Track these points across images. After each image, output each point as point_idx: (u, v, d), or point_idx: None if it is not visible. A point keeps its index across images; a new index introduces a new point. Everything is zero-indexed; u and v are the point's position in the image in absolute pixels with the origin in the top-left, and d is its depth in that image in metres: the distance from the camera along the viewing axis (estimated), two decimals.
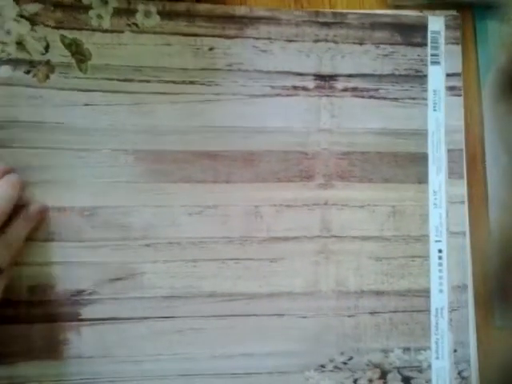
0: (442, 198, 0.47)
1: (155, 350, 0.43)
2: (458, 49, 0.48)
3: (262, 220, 0.45)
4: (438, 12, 0.48)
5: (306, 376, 0.45)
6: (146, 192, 0.44)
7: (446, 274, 0.47)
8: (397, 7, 0.49)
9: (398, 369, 0.46)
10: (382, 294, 0.47)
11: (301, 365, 0.45)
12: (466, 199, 0.47)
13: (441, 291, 0.47)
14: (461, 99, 0.48)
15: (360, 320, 0.46)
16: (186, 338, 0.44)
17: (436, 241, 0.47)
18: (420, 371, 0.46)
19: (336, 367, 0.46)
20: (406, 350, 0.46)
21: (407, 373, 0.46)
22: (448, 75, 0.48)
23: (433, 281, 0.47)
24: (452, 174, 0.48)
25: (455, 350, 0.47)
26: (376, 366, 0.46)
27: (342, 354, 0.46)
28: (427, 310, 0.47)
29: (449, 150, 0.48)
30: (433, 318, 0.47)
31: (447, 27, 0.48)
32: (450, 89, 0.48)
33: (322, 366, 0.46)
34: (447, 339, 0.47)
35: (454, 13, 0.48)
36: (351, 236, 0.47)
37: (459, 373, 0.46)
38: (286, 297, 0.46)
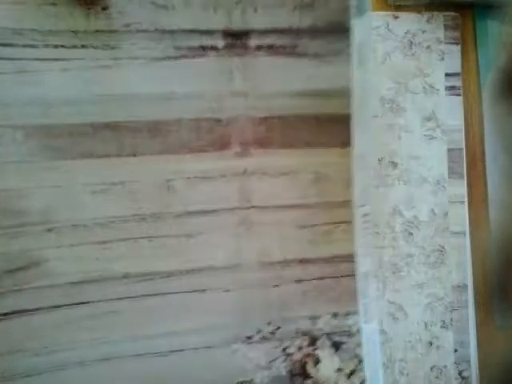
0: (368, 159, 0.45)
1: (70, 337, 0.41)
2: (457, 49, 0.46)
3: (175, 194, 0.42)
4: (436, 12, 0.46)
5: (234, 349, 0.44)
6: (40, 172, 0.40)
7: (371, 238, 0.46)
8: (397, 7, 0.45)
9: (328, 334, 0.46)
10: (307, 262, 0.45)
11: (227, 338, 0.44)
12: (466, 199, 0.46)
13: (366, 255, 0.45)
14: (460, 99, 0.46)
15: (286, 289, 0.45)
16: (102, 322, 0.42)
17: (361, 205, 0.45)
18: (349, 335, 0.46)
19: (264, 338, 0.45)
20: (335, 315, 0.46)
21: (337, 338, 0.46)
22: (447, 75, 0.46)
23: (358, 245, 0.45)
24: (452, 173, 0.46)
25: (455, 350, 0.46)
26: (305, 333, 0.45)
27: (268, 324, 0.45)
28: (354, 275, 0.45)
29: (449, 150, 0.45)
30: (359, 282, 0.46)
31: (446, 27, 0.45)
32: (450, 88, 0.46)
33: (249, 338, 0.44)
34: (375, 303, 0.46)
35: (453, 13, 0.46)
36: (273, 205, 0.44)
37: (459, 373, 0.46)
38: (206, 272, 0.43)
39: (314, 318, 0.45)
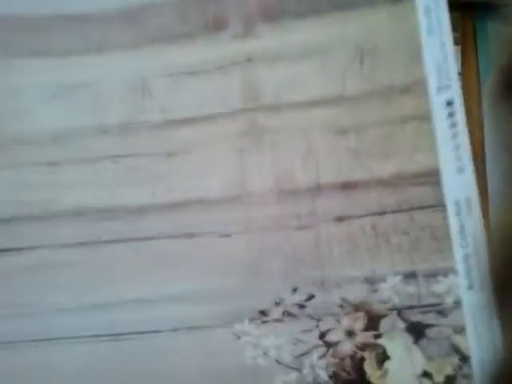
0: (436, 19, 0.28)
1: None
2: (457, 49, 0.38)
3: (151, 98, 0.30)
4: None
5: (236, 331, 0.27)
6: None
7: (464, 142, 0.27)
8: None
9: (400, 310, 0.26)
10: (354, 187, 0.28)
11: (226, 313, 0.27)
12: None
13: (460, 171, 0.27)
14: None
15: (320, 233, 0.27)
16: (41, 278, 0.28)
17: (438, 88, 0.28)
18: (441, 313, 0.26)
19: (287, 313, 0.27)
20: (411, 276, 0.26)
21: (417, 317, 0.26)
22: None
23: (444, 154, 0.27)
24: None
25: None
26: (357, 306, 0.26)
27: (294, 291, 0.27)
28: (440, 206, 0.27)
29: None
30: (453, 218, 0.26)
31: None
32: None
33: (263, 314, 0.27)
34: (483, 253, 0.26)
35: (453, 13, 0.35)
36: (293, 103, 0.29)
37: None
38: (195, 207, 0.29)
39: (372, 281, 0.26)
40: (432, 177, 0.27)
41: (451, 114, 0.27)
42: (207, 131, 0.29)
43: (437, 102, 0.27)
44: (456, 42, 0.39)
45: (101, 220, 0.29)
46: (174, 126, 0.29)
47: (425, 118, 0.28)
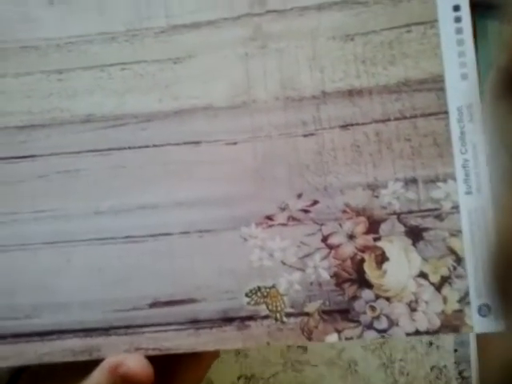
0: None
1: (5, 208, 0.29)
2: None
3: (156, 3, 0.29)
4: None
5: (243, 234, 0.28)
6: None
7: (470, 49, 0.27)
8: None
9: (399, 215, 0.27)
10: (360, 95, 0.28)
11: (233, 218, 0.28)
12: None
13: (464, 77, 0.27)
14: None
15: (325, 139, 0.28)
16: (52, 185, 0.29)
17: None
18: (439, 217, 0.27)
19: (292, 218, 0.28)
20: (410, 182, 0.27)
21: (416, 220, 0.27)
22: None
23: (449, 60, 0.27)
24: None
25: (455, 350, 0.43)
26: (359, 211, 0.27)
27: (299, 196, 0.28)
28: (443, 112, 0.27)
29: None
30: (454, 125, 0.27)
31: None
32: None
33: (269, 218, 0.28)
34: (482, 160, 0.26)
35: None
36: (299, 7, 0.28)
37: (459, 373, 0.44)
38: (201, 114, 0.29)
39: (374, 187, 0.27)
40: (436, 83, 0.27)
41: (458, 19, 0.27)
42: (212, 36, 0.29)
43: (443, 6, 0.27)
44: None
45: (109, 127, 0.29)
46: (180, 32, 0.29)
47: (431, 23, 0.27)
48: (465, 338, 0.44)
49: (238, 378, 0.47)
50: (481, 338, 0.41)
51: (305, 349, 0.49)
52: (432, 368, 0.44)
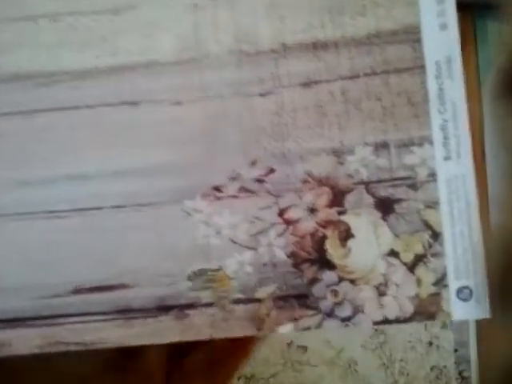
0: None
1: None
2: None
3: None
4: None
5: (186, 207, 0.24)
6: None
7: None
8: None
9: (367, 184, 0.23)
10: (325, 48, 0.24)
11: (176, 189, 0.24)
12: None
13: (443, 27, 0.23)
14: None
15: (284, 99, 0.24)
16: None
17: None
18: (412, 187, 0.23)
19: (244, 189, 0.24)
20: (381, 146, 0.23)
21: (386, 191, 0.23)
22: None
23: (425, 8, 0.23)
24: None
25: (455, 350, 0.43)
26: (322, 181, 0.23)
27: (252, 164, 0.24)
28: (418, 67, 0.23)
29: None
30: (432, 81, 0.23)
31: None
32: None
33: (217, 190, 0.24)
34: (465, 118, 0.23)
35: None
36: None
37: (459, 373, 0.43)
38: (144, 71, 0.25)
39: (340, 153, 0.23)
40: (412, 34, 0.23)
41: None
42: None
43: None
44: None
45: (39, 86, 0.25)
46: None
47: None
48: (465, 338, 0.44)
49: (238, 378, 0.48)
50: (481, 338, 0.42)
51: (305, 349, 0.50)
52: (432, 368, 0.45)
